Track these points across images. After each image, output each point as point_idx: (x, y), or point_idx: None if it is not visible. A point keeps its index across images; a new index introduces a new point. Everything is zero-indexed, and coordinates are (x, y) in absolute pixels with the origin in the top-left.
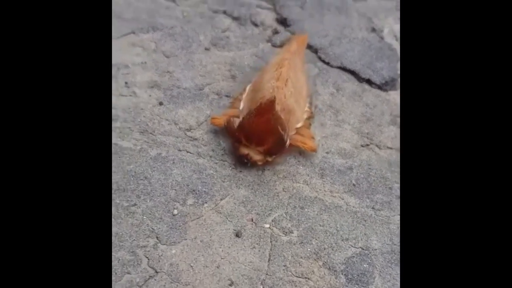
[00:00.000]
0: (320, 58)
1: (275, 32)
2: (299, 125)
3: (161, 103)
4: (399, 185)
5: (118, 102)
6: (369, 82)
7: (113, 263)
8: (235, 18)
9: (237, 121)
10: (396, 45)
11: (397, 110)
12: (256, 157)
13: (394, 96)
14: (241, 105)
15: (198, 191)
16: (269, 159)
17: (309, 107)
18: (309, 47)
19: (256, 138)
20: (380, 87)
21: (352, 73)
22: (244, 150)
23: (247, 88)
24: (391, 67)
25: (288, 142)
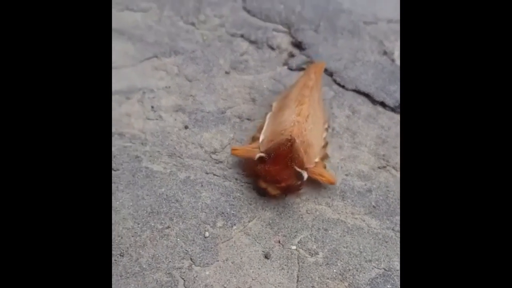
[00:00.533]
0: (335, 81)
1: (291, 55)
2: (316, 159)
3: (186, 127)
4: None
5: (146, 126)
6: (383, 104)
7: (151, 285)
8: (252, 42)
9: (256, 155)
10: None
11: None
12: (274, 192)
13: None
14: (261, 137)
15: (227, 213)
16: (287, 195)
17: (325, 140)
18: (325, 70)
19: (274, 177)
20: (393, 109)
21: (367, 96)
22: (263, 184)
23: (267, 119)
24: None
25: (306, 176)
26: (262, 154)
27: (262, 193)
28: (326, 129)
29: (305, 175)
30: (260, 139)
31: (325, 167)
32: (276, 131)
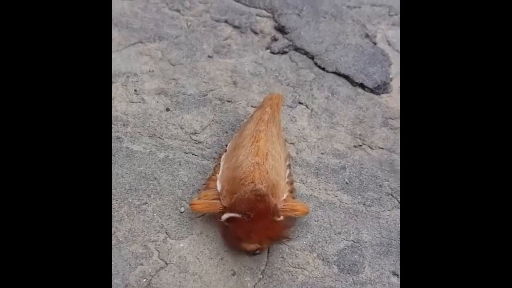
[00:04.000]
0: (316, 64)
1: (274, 39)
2: (284, 196)
3: (168, 109)
4: (389, 182)
5: (129, 108)
6: (362, 86)
7: (127, 256)
8: (236, 27)
9: (225, 215)
10: (389, 50)
11: (388, 113)
12: (264, 246)
13: (386, 99)
14: (219, 186)
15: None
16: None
17: (289, 172)
18: (306, 53)
19: (257, 237)
20: (372, 90)
21: (346, 77)
22: (251, 246)
23: (221, 164)
24: (383, 72)
25: (281, 218)
26: (231, 215)
27: (255, 254)
28: (289, 166)
29: (281, 218)
30: (218, 188)
31: (293, 198)
32: (235, 179)
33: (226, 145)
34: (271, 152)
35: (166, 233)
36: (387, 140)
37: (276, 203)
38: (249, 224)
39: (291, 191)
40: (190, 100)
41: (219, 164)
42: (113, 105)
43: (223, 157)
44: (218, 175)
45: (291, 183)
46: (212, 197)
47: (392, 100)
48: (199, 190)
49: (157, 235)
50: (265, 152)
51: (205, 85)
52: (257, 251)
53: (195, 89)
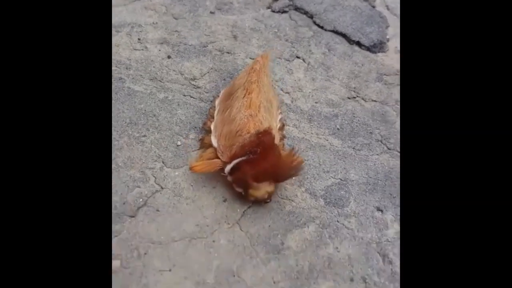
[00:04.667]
0: (315, 22)
1: None
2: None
3: (169, 57)
4: (379, 130)
5: (132, 55)
6: (359, 44)
7: (125, 179)
8: None
9: (230, 165)
10: (387, 14)
11: (383, 69)
12: (271, 189)
13: (382, 57)
14: (214, 142)
15: (199, 128)
16: (281, 182)
17: (281, 123)
18: (305, 12)
19: (267, 175)
20: (369, 48)
21: (344, 36)
22: (260, 192)
23: (215, 119)
24: (380, 32)
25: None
26: (235, 161)
27: (266, 201)
28: (280, 113)
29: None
30: (215, 144)
31: (283, 146)
32: (230, 133)
33: (219, 92)
34: (263, 103)
35: (163, 162)
36: (380, 94)
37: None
38: (257, 162)
39: (282, 139)
40: (191, 50)
41: (214, 106)
42: (117, 51)
43: (217, 102)
44: (212, 129)
45: (282, 128)
46: (209, 156)
47: (388, 58)
48: (196, 129)
49: (154, 163)
50: (257, 104)
51: (206, 37)
52: (268, 199)
53: (196, 40)
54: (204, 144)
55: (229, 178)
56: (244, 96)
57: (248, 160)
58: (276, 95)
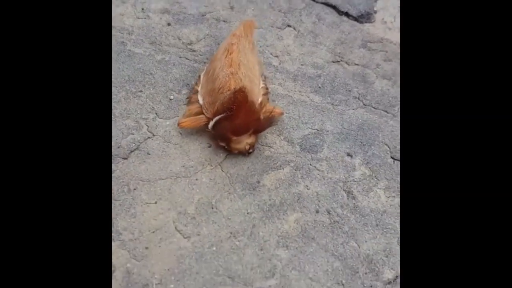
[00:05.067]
0: None
1: None
2: (259, 100)
3: (169, 24)
4: (358, 89)
5: (135, 22)
6: (347, 14)
7: (121, 127)
8: None
9: (212, 121)
10: None
11: (368, 37)
12: (252, 140)
13: (368, 27)
14: (200, 99)
15: (191, 85)
16: (260, 133)
17: (264, 83)
18: None
19: (243, 129)
20: (356, 19)
21: (333, 7)
22: (241, 144)
23: (201, 79)
24: (368, 4)
25: (263, 116)
26: (216, 118)
27: (248, 152)
28: (264, 76)
29: (260, 115)
30: (200, 101)
31: (268, 100)
32: (213, 90)
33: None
34: (243, 62)
35: (156, 113)
36: (363, 59)
37: (253, 99)
38: (234, 117)
39: (266, 94)
40: (190, 18)
41: (199, 77)
42: (121, 19)
43: (203, 72)
44: (199, 89)
45: (266, 88)
46: (196, 111)
47: (374, 28)
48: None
49: (148, 114)
50: (237, 63)
51: (204, 8)
52: (250, 149)
53: (195, 10)
54: (191, 101)
55: (213, 132)
56: (225, 57)
57: (227, 116)
58: (258, 60)
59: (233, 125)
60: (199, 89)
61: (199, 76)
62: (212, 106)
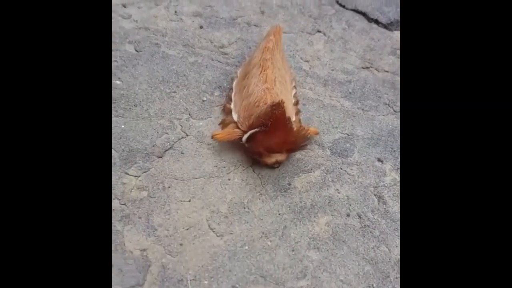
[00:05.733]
0: (337, 1)
1: None
2: (293, 118)
3: (201, 27)
4: (387, 95)
5: (168, 25)
6: (376, 22)
7: (155, 127)
8: None
9: (246, 134)
10: None
11: (397, 45)
12: (283, 158)
13: (397, 34)
14: (235, 116)
15: (224, 87)
16: (292, 153)
17: (295, 97)
18: None
19: (278, 146)
20: (386, 26)
21: (363, 14)
22: (271, 159)
23: (232, 95)
24: (397, 11)
25: (298, 135)
26: (251, 132)
27: (274, 167)
28: (295, 87)
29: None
30: (235, 118)
31: (300, 121)
32: (249, 105)
33: (236, 73)
34: (278, 78)
35: (189, 114)
36: (392, 66)
37: (290, 118)
38: (268, 134)
39: (297, 113)
40: (221, 22)
41: (232, 88)
42: (155, 21)
43: (234, 83)
44: (232, 105)
45: (296, 103)
46: (232, 127)
47: None
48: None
49: (181, 115)
50: (273, 79)
51: (236, 12)
52: (276, 165)
53: (227, 14)
54: (225, 124)
55: (246, 146)
56: (260, 73)
57: (262, 131)
58: (289, 70)
59: (268, 141)
60: (232, 107)
61: (230, 98)
62: (248, 120)
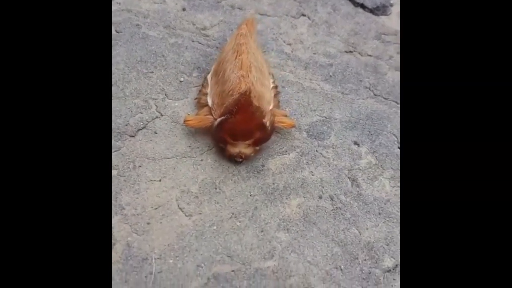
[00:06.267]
0: None
1: None
2: (270, 106)
3: (184, 9)
4: (369, 79)
5: (151, 7)
6: (362, 6)
7: (130, 106)
8: None
9: (215, 122)
10: None
11: (383, 29)
12: (247, 151)
13: (384, 19)
14: (210, 101)
15: (202, 68)
16: (258, 148)
17: (273, 83)
18: None
19: (242, 135)
20: (372, 11)
21: None
22: (235, 149)
23: (209, 80)
24: None
25: (268, 125)
26: (220, 119)
27: (237, 160)
28: (272, 75)
29: (267, 123)
30: (209, 103)
31: (279, 103)
32: (223, 92)
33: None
34: (253, 63)
35: (165, 94)
36: (376, 50)
37: (260, 106)
38: (233, 120)
39: (276, 105)
40: (204, 4)
41: (206, 79)
42: (138, 3)
43: (209, 75)
44: (208, 90)
45: (275, 88)
46: (205, 113)
47: (389, 21)
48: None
49: (157, 95)
50: (248, 65)
51: None
52: (239, 158)
53: None
54: (200, 104)
55: (213, 132)
56: (235, 58)
57: (228, 118)
58: (263, 56)
59: (233, 128)
60: (208, 91)
61: (206, 78)
62: (220, 108)
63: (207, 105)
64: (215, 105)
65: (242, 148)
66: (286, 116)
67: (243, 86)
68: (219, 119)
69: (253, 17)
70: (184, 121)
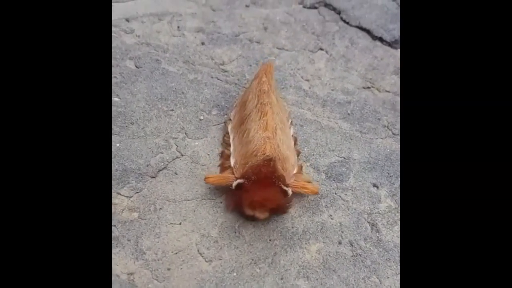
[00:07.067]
0: (341, 18)
1: None
2: (295, 170)
3: (203, 43)
4: (387, 117)
5: (170, 40)
6: (380, 39)
7: (151, 146)
8: None
9: (234, 182)
10: None
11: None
12: (262, 216)
13: None
14: (232, 161)
15: (221, 105)
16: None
17: (294, 137)
18: (334, 9)
19: (260, 201)
20: (390, 44)
21: (367, 31)
22: (249, 212)
23: (230, 133)
24: None
25: (290, 193)
26: (240, 181)
27: (251, 219)
28: (291, 123)
29: (290, 191)
30: (232, 163)
31: (309, 181)
32: (247, 152)
33: (229, 115)
34: (278, 125)
35: (185, 133)
36: (394, 86)
37: (283, 174)
38: (254, 189)
39: (300, 168)
40: (223, 38)
41: (227, 133)
42: (157, 37)
43: (230, 127)
44: (232, 149)
45: (295, 141)
46: (227, 172)
47: None
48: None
49: (177, 134)
50: (273, 126)
51: (238, 28)
52: (253, 220)
53: (229, 30)
54: (224, 168)
55: (231, 192)
56: (259, 119)
57: (249, 184)
58: (284, 106)
59: (251, 196)
60: (231, 150)
61: (228, 143)
62: (242, 167)
63: (230, 166)
64: (238, 165)
65: (257, 212)
66: (309, 182)
67: (268, 148)
68: (238, 181)
69: (270, 62)
70: (205, 178)
